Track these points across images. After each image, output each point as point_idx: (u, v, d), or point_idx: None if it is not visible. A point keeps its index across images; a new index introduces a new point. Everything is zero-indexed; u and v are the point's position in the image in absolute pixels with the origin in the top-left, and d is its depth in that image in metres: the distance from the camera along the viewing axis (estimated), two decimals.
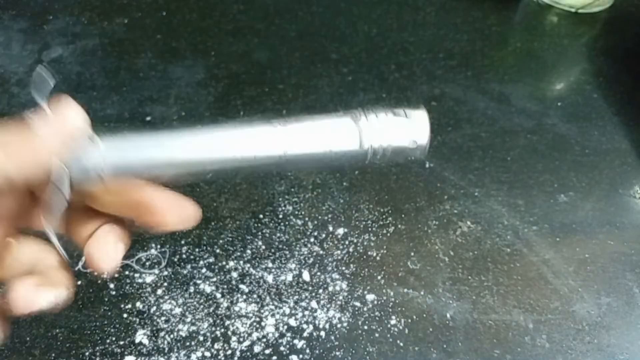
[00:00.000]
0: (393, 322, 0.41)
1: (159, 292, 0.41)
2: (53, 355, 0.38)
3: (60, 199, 0.20)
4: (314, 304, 0.42)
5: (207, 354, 0.38)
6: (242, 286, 0.42)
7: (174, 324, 0.40)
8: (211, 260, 0.44)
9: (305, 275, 0.43)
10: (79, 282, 0.41)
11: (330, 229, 0.47)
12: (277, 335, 0.40)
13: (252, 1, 0.71)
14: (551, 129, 0.58)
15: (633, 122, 0.60)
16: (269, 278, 0.43)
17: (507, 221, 0.49)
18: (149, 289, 0.41)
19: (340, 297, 0.42)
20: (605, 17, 0.76)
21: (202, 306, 0.41)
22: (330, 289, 0.43)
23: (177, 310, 0.40)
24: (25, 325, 0.39)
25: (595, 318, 0.43)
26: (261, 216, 0.47)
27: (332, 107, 0.57)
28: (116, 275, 0.38)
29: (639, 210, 0.51)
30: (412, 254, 0.46)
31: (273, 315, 0.41)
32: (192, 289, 0.42)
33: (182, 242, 0.45)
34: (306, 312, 0.41)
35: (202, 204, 0.47)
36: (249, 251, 0.44)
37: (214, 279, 0.42)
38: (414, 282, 0.44)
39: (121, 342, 0.38)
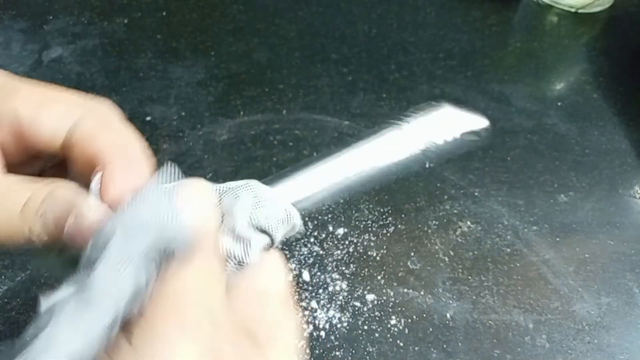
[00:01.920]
0: (393, 322, 0.41)
1: None
2: None
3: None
4: (314, 304, 0.42)
5: None
6: None
7: None
8: None
9: (305, 275, 0.43)
10: None
11: (330, 229, 0.47)
12: None
13: (252, 1, 0.71)
14: (551, 129, 0.58)
15: (633, 122, 0.60)
16: None
17: (507, 221, 0.49)
18: None
19: (340, 297, 0.42)
20: (605, 17, 0.76)
21: None
22: (330, 289, 0.43)
23: None
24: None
25: (595, 318, 0.43)
26: None
27: (332, 107, 0.57)
28: None
29: (639, 210, 0.51)
30: (412, 254, 0.46)
31: None
32: None
33: None
34: (306, 312, 0.41)
35: None
36: None
37: None
38: (414, 282, 0.44)
39: None
